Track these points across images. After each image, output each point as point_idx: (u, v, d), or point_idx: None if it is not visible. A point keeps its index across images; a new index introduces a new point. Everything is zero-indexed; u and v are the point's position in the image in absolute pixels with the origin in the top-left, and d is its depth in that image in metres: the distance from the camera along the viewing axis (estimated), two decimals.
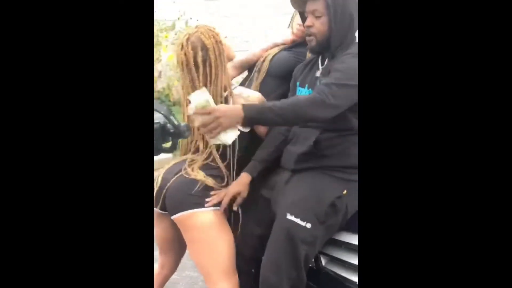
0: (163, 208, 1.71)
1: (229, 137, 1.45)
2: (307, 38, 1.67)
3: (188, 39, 1.66)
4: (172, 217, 1.67)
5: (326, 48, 1.65)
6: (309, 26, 1.63)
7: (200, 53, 1.64)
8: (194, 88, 1.65)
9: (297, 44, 1.99)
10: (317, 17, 1.61)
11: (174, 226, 1.74)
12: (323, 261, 1.67)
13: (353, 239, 1.59)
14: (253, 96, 1.79)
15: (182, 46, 1.66)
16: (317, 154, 1.60)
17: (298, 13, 1.87)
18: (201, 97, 1.42)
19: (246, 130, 1.69)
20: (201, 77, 1.65)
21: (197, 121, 1.43)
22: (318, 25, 1.62)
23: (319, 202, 1.55)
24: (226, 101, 1.71)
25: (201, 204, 1.64)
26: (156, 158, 1.50)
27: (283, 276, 1.51)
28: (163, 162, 1.97)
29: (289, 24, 2.13)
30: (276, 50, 2.00)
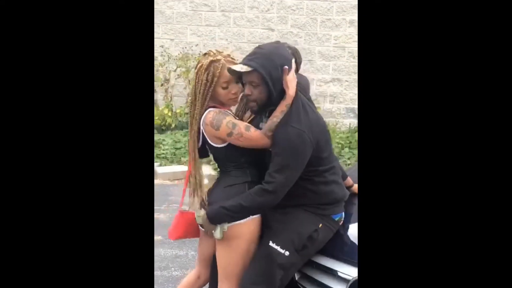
0: None
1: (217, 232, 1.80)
2: (249, 104, 1.82)
3: (209, 66, 1.83)
4: None
5: (268, 107, 1.82)
6: (248, 95, 1.78)
7: (205, 80, 1.84)
8: (194, 101, 1.87)
9: None
10: (255, 87, 1.76)
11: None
12: (296, 276, 1.93)
13: (323, 260, 1.87)
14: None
15: (201, 68, 1.84)
16: (292, 194, 1.79)
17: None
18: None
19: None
20: (199, 95, 1.86)
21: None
22: (257, 94, 1.76)
23: (298, 235, 1.81)
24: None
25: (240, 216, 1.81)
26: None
27: None
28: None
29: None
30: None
